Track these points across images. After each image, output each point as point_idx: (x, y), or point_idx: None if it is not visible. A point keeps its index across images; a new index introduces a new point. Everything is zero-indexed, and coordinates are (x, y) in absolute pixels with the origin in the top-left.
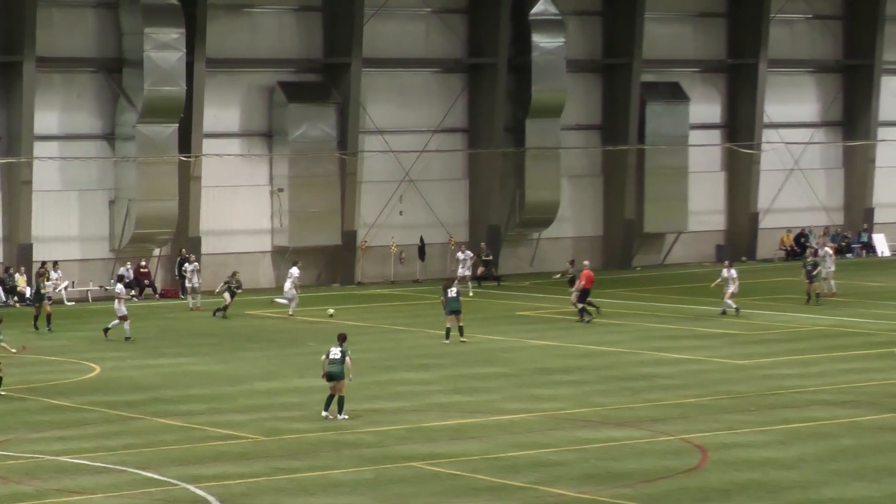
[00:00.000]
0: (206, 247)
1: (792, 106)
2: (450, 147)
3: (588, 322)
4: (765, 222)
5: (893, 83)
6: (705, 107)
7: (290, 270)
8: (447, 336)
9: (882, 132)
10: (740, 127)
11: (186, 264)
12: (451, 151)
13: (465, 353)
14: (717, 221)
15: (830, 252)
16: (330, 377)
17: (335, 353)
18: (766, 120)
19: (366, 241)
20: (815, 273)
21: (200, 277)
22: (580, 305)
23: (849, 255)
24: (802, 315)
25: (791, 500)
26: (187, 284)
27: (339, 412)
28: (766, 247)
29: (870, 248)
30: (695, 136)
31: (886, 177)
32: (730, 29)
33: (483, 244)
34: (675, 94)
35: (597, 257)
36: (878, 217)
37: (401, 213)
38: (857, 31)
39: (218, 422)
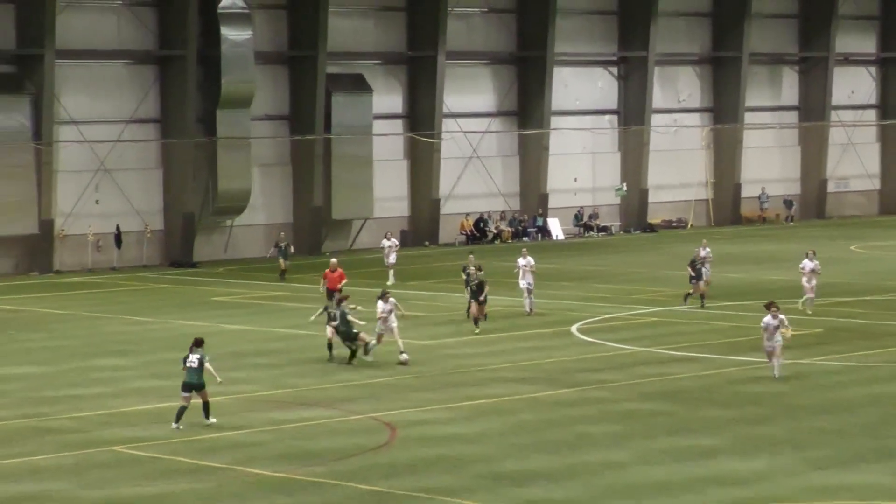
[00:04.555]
0: None
1: (469, 96)
2: (143, 137)
3: None
4: (446, 208)
5: (564, 74)
6: (388, 98)
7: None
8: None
9: (554, 121)
10: (421, 117)
11: None
12: (144, 141)
13: (161, 339)
14: (401, 207)
15: (531, 263)
16: (187, 387)
17: (192, 360)
18: (445, 110)
19: (63, 230)
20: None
21: None
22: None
23: (525, 239)
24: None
25: (475, 472)
26: None
27: (206, 416)
28: (448, 231)
29: (545, 231)
30: (378, 126)
31: (559, 164)
32: (409, 22)
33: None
34: (359, 85)
35: None
36: (552, 202)
37: (97, 201)
38: (529, 24)
39: None
